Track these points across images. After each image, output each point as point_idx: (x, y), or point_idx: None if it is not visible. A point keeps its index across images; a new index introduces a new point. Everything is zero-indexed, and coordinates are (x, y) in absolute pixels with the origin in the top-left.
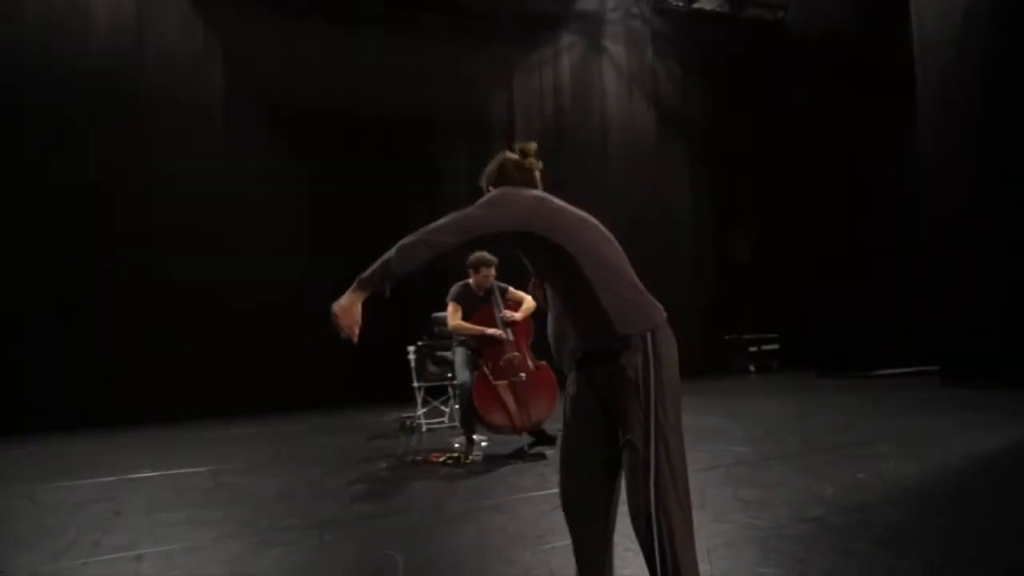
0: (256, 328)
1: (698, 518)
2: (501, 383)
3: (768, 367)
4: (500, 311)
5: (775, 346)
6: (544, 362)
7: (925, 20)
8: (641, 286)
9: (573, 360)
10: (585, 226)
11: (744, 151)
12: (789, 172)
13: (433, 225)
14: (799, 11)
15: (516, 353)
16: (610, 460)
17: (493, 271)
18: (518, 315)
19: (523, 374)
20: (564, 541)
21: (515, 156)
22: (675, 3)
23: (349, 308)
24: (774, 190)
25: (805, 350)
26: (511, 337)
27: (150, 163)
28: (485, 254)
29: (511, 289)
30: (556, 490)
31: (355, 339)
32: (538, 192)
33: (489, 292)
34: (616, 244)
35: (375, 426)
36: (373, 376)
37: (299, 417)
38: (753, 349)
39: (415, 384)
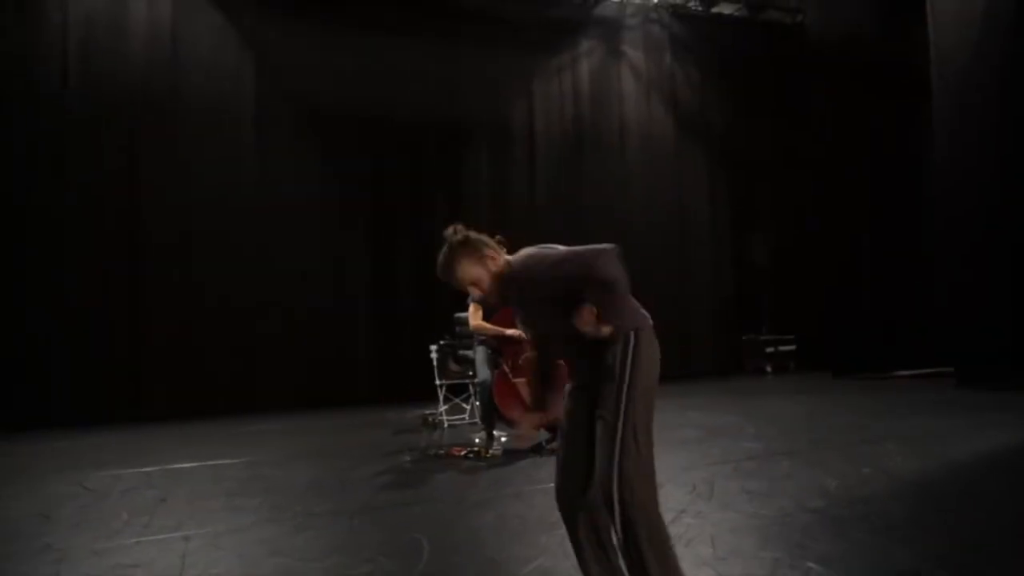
0: (284, 328)
1: (706, 507)
2: (520, 380)
3: (785, 368)
4: None
5: (792, 347)
6: (561, 361)
7: (942, 23)
8: (632, 299)
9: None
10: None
11: (762, 154)
12: (807, 175)
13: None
14: (816, 15)
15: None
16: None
17: None
18: None
19: None
20: None
21: (480, 238)
22: (694, 8)
23: None
24: (792, 193)
25: (822, 351)
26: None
27: (185, 168)
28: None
29: None
30: None
31: None
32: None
33: None
34: None
35: (399, 422)
36: (397, 374)
37: (326, 414)
38: (770, 350)
39: (437, 382)
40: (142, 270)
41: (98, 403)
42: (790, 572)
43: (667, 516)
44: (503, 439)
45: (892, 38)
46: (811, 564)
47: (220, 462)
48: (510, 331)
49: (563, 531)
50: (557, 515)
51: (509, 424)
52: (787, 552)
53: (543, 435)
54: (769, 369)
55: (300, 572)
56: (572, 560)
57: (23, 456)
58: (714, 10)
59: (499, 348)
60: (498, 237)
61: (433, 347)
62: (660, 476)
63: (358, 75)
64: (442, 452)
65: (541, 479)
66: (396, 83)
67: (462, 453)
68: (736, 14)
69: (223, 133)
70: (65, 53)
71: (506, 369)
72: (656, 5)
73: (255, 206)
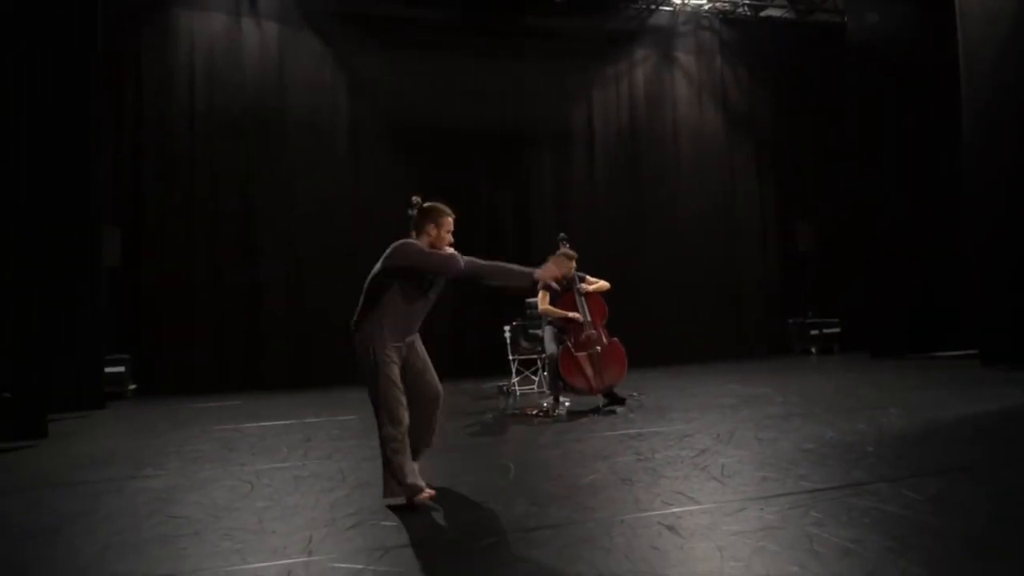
0: None
1: (723, 448)
2: (581, 354)
3: (829, 350)
4: (581, 297)
5: (836, 330)
6: (615, 338)
7: (970, 21)
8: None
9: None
10: None
11: (809, 148)
12: (852, 168)
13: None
14: (858, 14)
15: (593, 331)
16: None
17: (574, 264)
18: (590, 287)
19: (599, 347)
20: (627, 458)
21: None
22: (743, 13)
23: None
24: (837, 185)
25: (866, 334)
26: (589, 318)
27: (290, 177)
28: (567, 251)
29: (588, 277)
30: (625, 431)
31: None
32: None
33: (571, 281)
34: None
35: (477, 392)
36: (473, 352)
37: None
38: (815, 332)
39: (510, 357)
40: (258, 268)
41: (228, 374)
42: (773, 483)
43: (691, 453)
44: (566, 403)
45: (931, 35)
46: (789, 480)
47: (341, 418)
48: (572, 314)
49: (612, 461)
50: (608, 451)
51: (572, 390)
52: (775, 472)
53: (600, 400)
54: (814, 351)
55: (426, 479)
56: (618, 476)
57: (184, 413)
58: (763, 14)
59: (564, 328)
60: (562, 234)
61: (506, 327)
62: (691, 428)
63: (436, 91)
64: (516, 412)
65: (598, 430)
66: (469, 97)
67: (533, 412)
68: (784, 16)
69: (321, 146)
70: (192, 82)
71: (569, 345)
72: (707, 12)
73: (349, 208)
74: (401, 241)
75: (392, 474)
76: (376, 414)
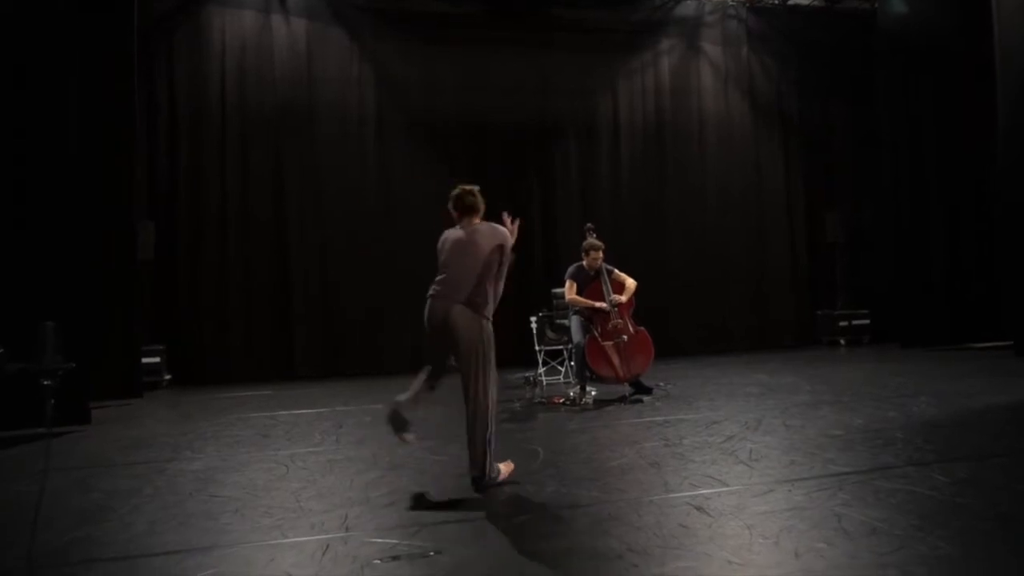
0: (404, 304)
1: (751, 435)
2: (608, 343)
3: (859, 341)
4: (608, 287)
5: (866, 321)
6: (642, 328)
7: (1006, 15)
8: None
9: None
10: None
11: (837, 138)
12: (881, 157)
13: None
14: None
15: (620, 320)
16: None
17: (601, 254)
18: (623, 298)
19: (625, 336)
20: (654, 443)
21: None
22: (771, 1)
23: None
24: (866, 174)
25: (897, 325)
26: (615, 308)
27: (318, 171)
28: (595, 241)
29: (616, 271)
30: (652, 418)
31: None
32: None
33: (598, 272)
34: None
35: (504, 381)
36: (499, 343)
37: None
38: (844, 323)
39: (537, 347)
40: (288, 261)
41: (259, 365)
42: (801, 467)
43: (718, 439)
44: (593, 392)
45: (966, 21)
46: (817, 463)
47: (371, 406)
48: (598, 304)
49: (640, 445)
50: (636, 437)
51: (599, 379)
52: (802, 457)
53: (626, 389)
54: (842, 342)
55: (460, 465)
56: (647, 460)
57: (218, 401)
58: (791, 2)
59: (590, 317)
60: (589, 224)
61: (532, 318)
62: (718, 415)
63: (462, 84)
64: (544, 400)
65: (625, 417)
66: (495, 89)
67: (560, 401)
68: (813, 4)
69: (350, 140)
70: (224, 79)
71: (596, 334)
72: (733, 1)
73: (377, 201)
74: (495, 225)
75: (495, 454)
76: (480, 393)
